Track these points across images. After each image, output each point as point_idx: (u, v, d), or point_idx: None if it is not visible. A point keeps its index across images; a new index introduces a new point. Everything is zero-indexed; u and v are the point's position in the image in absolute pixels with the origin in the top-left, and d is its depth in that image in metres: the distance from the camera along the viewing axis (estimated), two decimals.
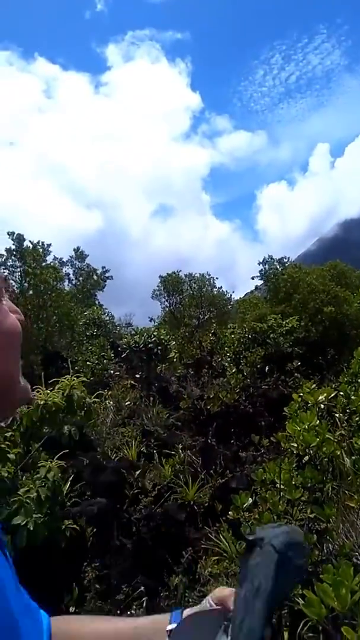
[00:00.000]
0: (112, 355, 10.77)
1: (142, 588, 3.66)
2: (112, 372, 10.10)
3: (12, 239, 13.96)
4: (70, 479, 5.07)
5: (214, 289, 22.83)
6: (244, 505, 2.75)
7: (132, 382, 9.99)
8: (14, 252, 13.83)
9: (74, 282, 25.23)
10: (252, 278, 18.94)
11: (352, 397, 5.39)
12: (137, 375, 10.21)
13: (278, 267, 17.37)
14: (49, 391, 3.54)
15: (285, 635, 2.94)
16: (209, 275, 23.07)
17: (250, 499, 2.79)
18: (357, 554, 3.24)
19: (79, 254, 25.86)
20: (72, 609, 3.54)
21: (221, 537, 4.31)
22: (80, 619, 1.13)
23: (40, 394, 3.52)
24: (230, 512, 2.96)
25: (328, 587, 1.90)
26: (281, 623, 2.98)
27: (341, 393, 5.73)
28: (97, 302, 22.61)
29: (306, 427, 3.42)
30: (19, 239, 14.00)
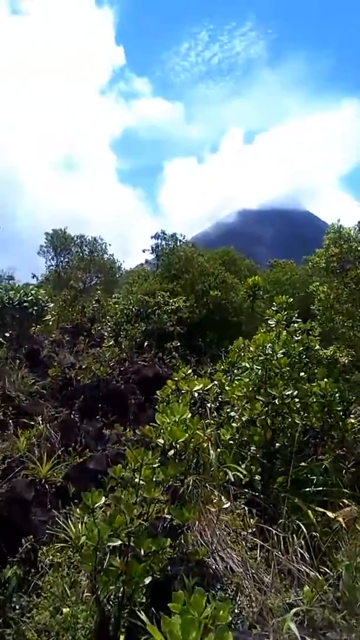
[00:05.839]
0: None
1: None
2: None
3: None
4: None
5: (105, 255, 22.10)
6: (95, 506, 2.39)
7: (0, 340, 9.15)
8: None
9: None
10: (144, 251, 18.59)
11: (227, 388, 5.30)
12: (7, 334, 9.38)
13: (171, 243, 17.22)
14: None
15: None
16: (102, 240, 22.23)
17: (103, 497, 2.44)
18: (209, 559, 3.08)
19: None
20: None
21: (69, 522, 3.96)
22: None
23: None
24: (78, 511, 2.61)
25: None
26: None
27: (216, 382, 5.63)
28: None
29: (176, 420, 3.15)
30: None
